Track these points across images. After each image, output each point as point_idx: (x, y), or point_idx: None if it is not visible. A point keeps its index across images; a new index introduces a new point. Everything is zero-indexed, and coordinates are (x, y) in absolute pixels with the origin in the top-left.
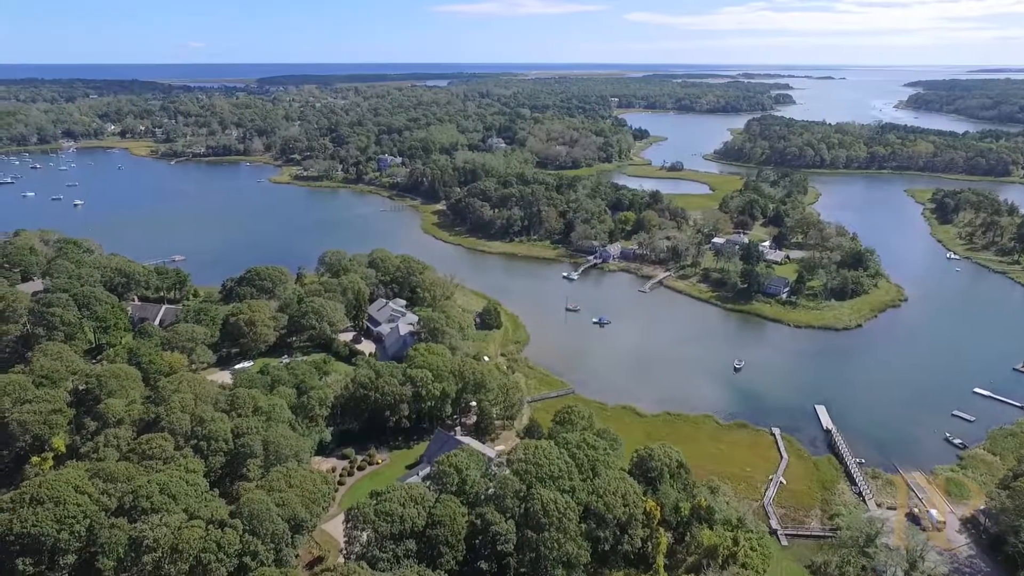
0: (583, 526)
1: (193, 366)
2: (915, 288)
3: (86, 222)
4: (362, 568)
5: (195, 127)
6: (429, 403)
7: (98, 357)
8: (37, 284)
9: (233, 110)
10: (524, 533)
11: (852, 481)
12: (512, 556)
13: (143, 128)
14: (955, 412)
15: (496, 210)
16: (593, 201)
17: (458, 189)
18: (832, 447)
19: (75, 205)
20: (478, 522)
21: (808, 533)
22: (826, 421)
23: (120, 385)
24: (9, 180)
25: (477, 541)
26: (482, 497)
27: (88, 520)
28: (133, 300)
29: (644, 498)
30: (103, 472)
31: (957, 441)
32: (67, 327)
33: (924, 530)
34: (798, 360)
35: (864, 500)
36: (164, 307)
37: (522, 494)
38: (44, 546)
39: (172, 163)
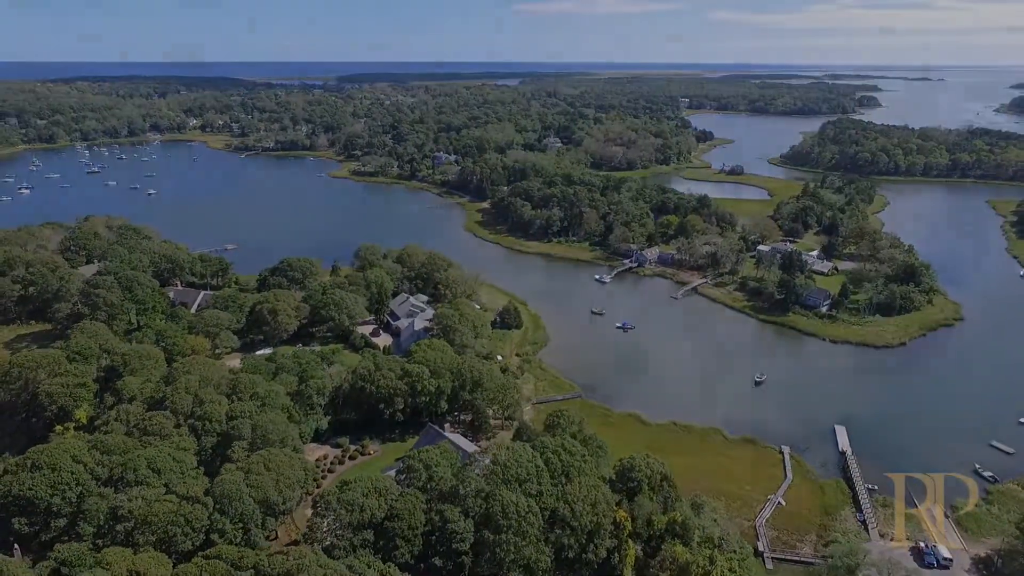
0: (555, 531)
1: (217, 350)
2: (976, 306)
3: (155, 210)
4: (315, 553)
5: (268, 122)
6: (424, 398)
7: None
8: (95, 267)
9: (306, 107)
10: (482, 534)
11: (859, 508)
12: (467, 555)
13: (221, 123)
14: (993, 443)
15: (537, 210)
16: (636, 204)
17: (504, 188)
18: (844, 470)
19: (148, 194)
20: (437, 518)
21: (797, 559)
22: (843, 443)
23: (142, 364)
24: (96, 169)
25: (434, 537)
26: (447, 494)
27: (80, 488)
28: (176, 285)
29: (616, 508)
30: (101, 444)
31: (987, 474)
32: (109, 308)
33: (929, 567)
34: (826, 377)
35: (867, 529)
36: (203, 293)
37: (483, 494)
38: (38, 509)
39: (242, 156)
